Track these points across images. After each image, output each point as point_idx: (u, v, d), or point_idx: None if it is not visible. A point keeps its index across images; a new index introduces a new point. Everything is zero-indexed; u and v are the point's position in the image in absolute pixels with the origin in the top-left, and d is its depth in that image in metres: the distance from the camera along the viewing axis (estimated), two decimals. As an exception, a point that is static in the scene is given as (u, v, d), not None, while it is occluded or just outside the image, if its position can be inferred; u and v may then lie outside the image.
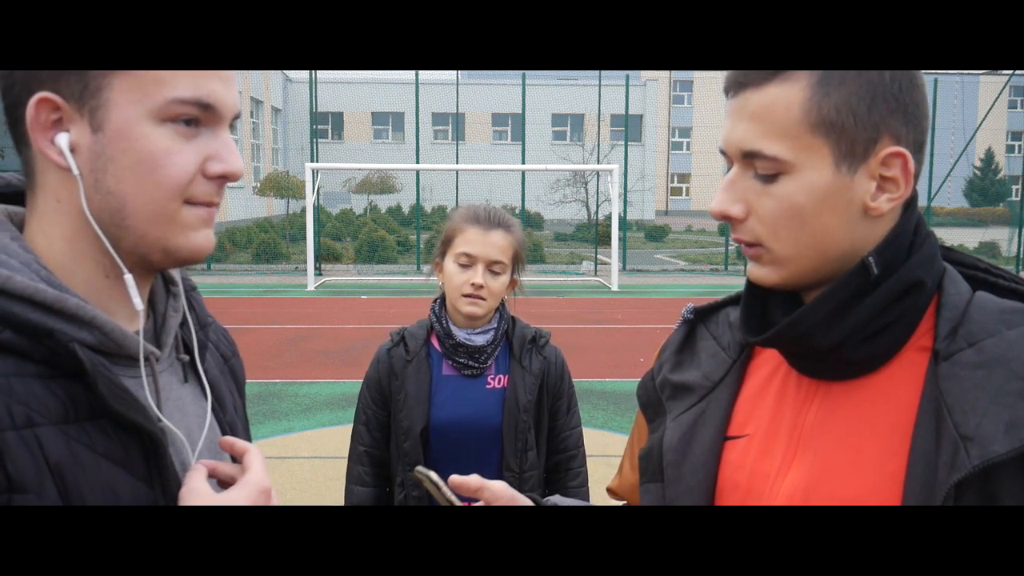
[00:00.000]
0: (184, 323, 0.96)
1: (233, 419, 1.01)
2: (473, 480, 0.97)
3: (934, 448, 0.80)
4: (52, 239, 0.83)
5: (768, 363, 0.98)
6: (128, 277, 0.83)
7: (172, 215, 0.82)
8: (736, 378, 0.99)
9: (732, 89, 0.88)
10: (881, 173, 0.84)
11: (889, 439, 0.84)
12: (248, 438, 1.05)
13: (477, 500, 1.00)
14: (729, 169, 0.90)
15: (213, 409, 0.97)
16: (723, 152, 0.89)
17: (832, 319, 0.86)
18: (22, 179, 0.86)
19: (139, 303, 0.84)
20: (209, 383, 0.97)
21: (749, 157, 0.86)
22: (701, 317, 1.07)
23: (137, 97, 0.79)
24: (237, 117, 0.87)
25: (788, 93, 0.83)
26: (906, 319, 0.86)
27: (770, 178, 0.85)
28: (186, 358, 0.95)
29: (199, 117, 0.82)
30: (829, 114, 0.82)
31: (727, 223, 0.90)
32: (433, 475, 0.96)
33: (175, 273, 0.96)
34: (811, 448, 0.89)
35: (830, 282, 0.88)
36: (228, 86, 0.84)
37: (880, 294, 0.85)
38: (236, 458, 0.92)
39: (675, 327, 1.08)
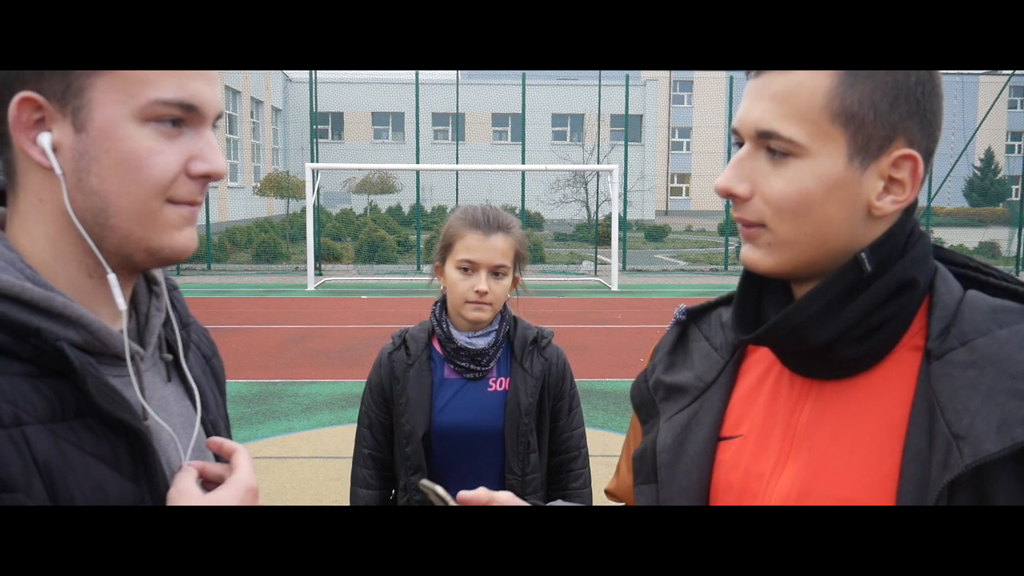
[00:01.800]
0: (167, 322, 0.97)
1: (216, 418, 1.01)
2: (481, 494, 0.97)
3: (927, 447, 0.80)
4: (35, 239, 0.83)
5: (761, 363, 0.98)
6: (112, 277, 0.83)
7: (155, 214, 0.82)
8: (729, 378, 0.99)
9: (756, 69, 0.87)
10: (891, 174, 0.84)
11: (883, 438, 0.85)
12: (229, 437, 1.05)
13: None
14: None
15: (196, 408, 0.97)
16: (735, 131, 0.89)
17: (825, 314, 0.86)
18: (2, 179, 0.86)
19: (122, 303, 0.84)
20: (193, 382, 0.97)
21: (764, 137, 0.85)
22: (693, 318, 1.07)
23: (120, 97, 0.79)
24: (220, 117, 0.87)
25: (814, 78, 0.83)
26: (899, 318, 0.86)
27: (781, 157, 0.85)
28: (169, 357, 0.95)
29: (182, 117, 0.82)
30: (851, 105, 0.82)
31: (730, 200, 0.89)
32: (439, 489, 0.95)
33: (157, 273, 0.96)
34: (805, 448, 0.90)
35: (821, 277, 0.88)
36: (211, 86, 0.84)
37: (873, 292, 0.85)
38: (224, 458, 0.92)
39: (667, 328, 1.09)
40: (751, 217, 0.88)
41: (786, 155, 0.84)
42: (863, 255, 0.85)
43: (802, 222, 0.85)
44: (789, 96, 0.83)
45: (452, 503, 0.95)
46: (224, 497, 0.85)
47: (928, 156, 0.86)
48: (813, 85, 0.83)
